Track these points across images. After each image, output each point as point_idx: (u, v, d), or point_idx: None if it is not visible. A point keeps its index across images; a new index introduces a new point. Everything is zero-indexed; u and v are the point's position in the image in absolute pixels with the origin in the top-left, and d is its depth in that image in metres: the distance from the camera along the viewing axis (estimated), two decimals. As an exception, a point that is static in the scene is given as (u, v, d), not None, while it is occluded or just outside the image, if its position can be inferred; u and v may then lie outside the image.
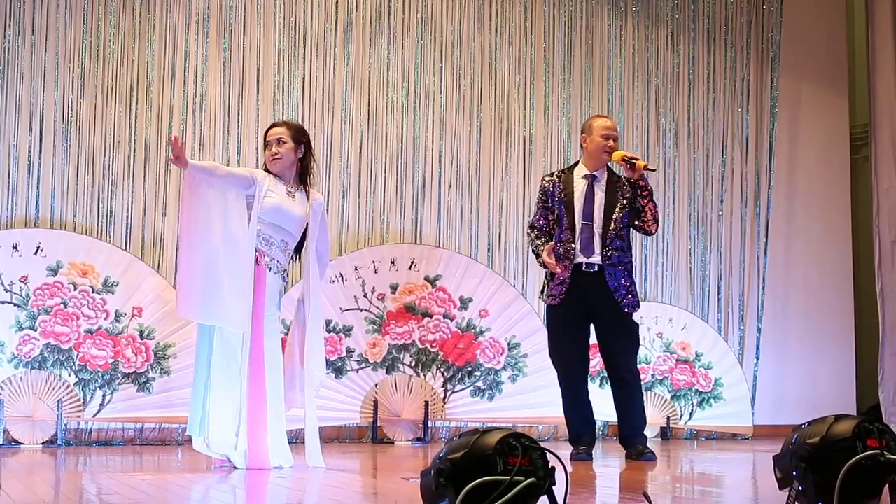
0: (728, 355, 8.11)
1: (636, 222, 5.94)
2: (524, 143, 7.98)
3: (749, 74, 8.57)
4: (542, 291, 6.11)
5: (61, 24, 7.04)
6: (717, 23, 8.53)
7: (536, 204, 6.12)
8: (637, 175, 5.83)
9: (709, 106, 8.46)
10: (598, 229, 5.87)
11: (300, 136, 5.40)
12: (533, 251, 6.11)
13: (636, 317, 6.07)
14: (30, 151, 6.95)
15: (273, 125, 5.49)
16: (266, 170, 5.38)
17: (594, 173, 5.97)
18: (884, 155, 8.33)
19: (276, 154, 5.32)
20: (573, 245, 5.86)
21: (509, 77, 7.99)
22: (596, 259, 5.86)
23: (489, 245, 7.81)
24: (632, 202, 5.91)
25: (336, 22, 7.63)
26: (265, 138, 5.44)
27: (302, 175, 5.39)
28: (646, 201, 5.88)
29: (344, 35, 7.63)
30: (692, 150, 8.39)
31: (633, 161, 5.81)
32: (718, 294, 8.33)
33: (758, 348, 8.35)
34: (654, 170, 6.02)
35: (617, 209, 5.89)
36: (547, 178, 6.12)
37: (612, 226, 5.87)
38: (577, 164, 6.11)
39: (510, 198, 7.90)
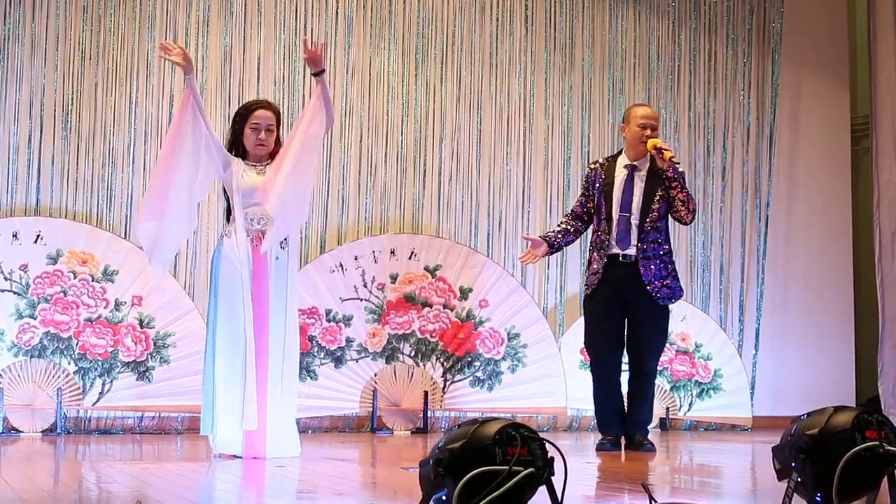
0: (727, 346, 8.11)
1: (672, 212, 5.92)
2: (525, 134, 7.97)
3: (750, 65, 8.55)
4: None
5: (61, 11, 7.03)
6: (719, 13, 8.51)
7: (580, 191, 6.17)
8: (665, 165, 5.79)
9: (710, 96, 8.44)
10: (634, 221, 5.84)
11: (280, 122, 5.36)
12: (560, 224, 6.17)
13: (674, 308, 6.06)
14: (29, 139, 6.94)
15: (261, 106, 5.33)
16: (232, 151, 5.27)
17: (635, 163, 5.93)
18: (884, 146, 8.31)
19: (263, 142, 5.24)
20: (608, 235, 5.86)
21: (510, 66, 7.97)
22: (631, 251, 5.83)
23: (489, 235, 7.81)
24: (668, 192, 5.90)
25: (337, 10, 7.61)
26: (250, 117, 5.25)
27: (272, 153, 5.28)
28: (676, 192, 5.83)
29: (345, 24, 7.62)
30: (693, 141, 8.38)
31: (663, 151, 5.76)
32: (718, 285, 8.33)
33: (757, 339, 8.35)
34: (678, 163, 5.90)
35: (656, 200, 5.85)
36: (591, 166, 6.14)
37: (650, 217, 5.83)
38: (621, 152, 6.08)
39: (510, 188, 7.89)
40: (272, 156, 5.27)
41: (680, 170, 5.93)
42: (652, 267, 5.83)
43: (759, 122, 8.53)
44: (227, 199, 5.29)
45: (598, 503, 3.68)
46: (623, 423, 5.97)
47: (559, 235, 6.05)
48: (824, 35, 8.83)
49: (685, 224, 6.06)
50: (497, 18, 7.97)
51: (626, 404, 6.04)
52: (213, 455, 5.13)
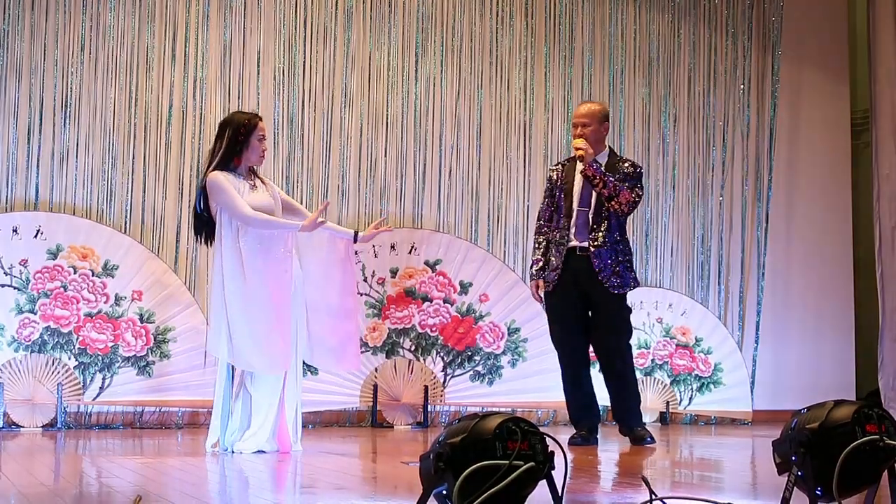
0: (728, 340, 8.12)
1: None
2: (524, 128, 7.97)
3: (750, 59, 8.55)
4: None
5: (61, 5, 7.02)
6: (719, 7, 8.50)
7: (544, 193, 6.21)
8: (583, 163, 5.87)
9: (709, 90, 8.44)
10: (591, 215, 5.92)
11: None
12: (533, 255, 6.14)
13: (630, 301, 6.11)
14: (29, 134, 6.94)
15: (259, 118, 5.41)
16: (228, 155, 5.31)
17: (596, 158, 5.97)
18: (884, 140, 8.31)
19: (265, 151, 5.39)
20: (567, 231, 5.94)
21: (510, 61, 7.97)
22: (586, 243, 5.91)
23: (489, 229, 7.81)
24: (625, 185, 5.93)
25: (336, 4, 7.60)
26: (255, 129, 5.32)
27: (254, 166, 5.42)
28: (598, 188, 5.88)
29: (344, 18, 7.61)
30: (693, 135, 8.37)
31: (577, 149, 5.88)
32: (718, 279, 8.33)
33: (757, 333, 8.35)
34: (581, 155, 5.85)
35: None
36: (552, 168, 6.26)
37: (603, 208, 5.90)
38: None
39: (510, 182, 7.89)
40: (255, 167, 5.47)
41: (582, 156, 5.87)
42: (603, 256, 5.90)
43: (759, 117, 8.53)
44: (209, 214, 5.31)
45: (597, 497, 3.68)
46: (595, 414, 6.07)
47: (544, 263, 6.06)
48: (824, 29, 8.82)
49: (622, 215, 6.01)
50: (497, 12, 7.96)
51: (597, 399, 6.11)
52: (226, 452, 5.18)
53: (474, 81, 7.87)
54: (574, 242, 5.93)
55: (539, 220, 6.16)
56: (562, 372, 6.10)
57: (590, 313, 6.02)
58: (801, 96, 8.70)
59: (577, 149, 5.88)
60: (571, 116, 6.18)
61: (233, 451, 5.18)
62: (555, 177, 6.11)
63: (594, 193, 5.93)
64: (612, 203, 5.89)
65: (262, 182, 5.40)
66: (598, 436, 6.02)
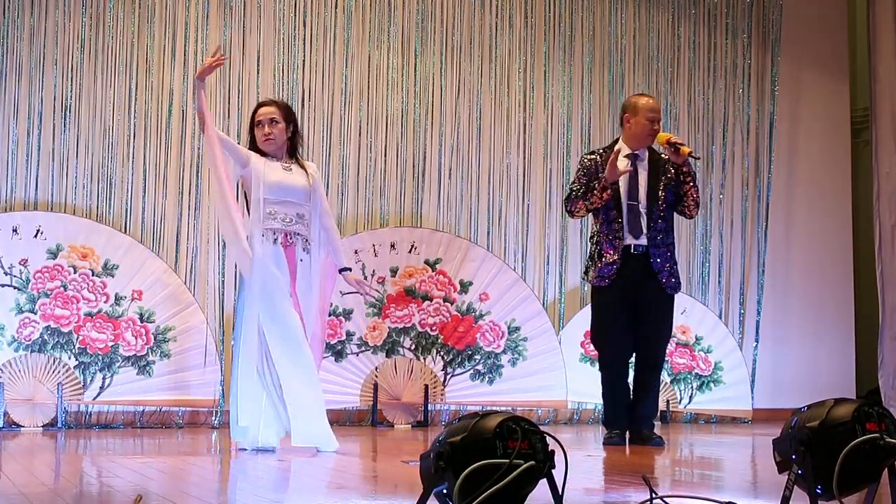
0: (728, 339, 8.12)
1: (678, 206, 5.88)
2: (524, 127, 7.97)
3: (750, 58, 8.55)
4: (585, 272, 6.02)
5: (61, 5, 7.02)
6: (718, 5, 8.51)
7: (577, 180, 5.93)
8: (681, 160, 5.74)
9: (709, 88, 8.43)
10: (643, 210, 5.80)
11: (290, 116, 5.51)
12: (579, 197, 5.83)
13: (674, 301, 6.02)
14: (29, 133, 6.94)
15: (263, 104, 5.50)
16: (254, 149, 5.43)
17: (636, 153, 5.88)
18: (884, 139, 8.31)
19: (269, 135, 5.39)
20: (620, 226, 5.79)
21: (510, 60, 7.97)
22: (642, 241, 5.79)
23: (489, 228, 7.81)
24: (674, 184, 5.85)
25: (336, 3, 7.60)
26: (254, 117, 5.46)
27: (292, 150, 5.48)
28: (689, 187, 5.81)
29: (344, 17, 7.61)
30: (693, 134, 8.37)
31: (678, 146, 5.70)
32: (719, 278, 8.33)
33: (757, 332, 8.35)
34: (698, 158, 5.93)
35: (661, 189, 5.83)
36: (589, 158, 5.99)
37: (657, 206, 5.81)
38: (616, 141, 5.98)
39: (510, 181, 7.89)
40: (293, 151, 5.49)
41: (697, 156, 5.88)
42: (660, 256, 5.81)
43: (759, 115, 8.53)
44: (246, 197, 5.39)
45: (598, 496, 3.68)
46: (629, 417, 5.93)
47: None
48: (824, 27, 8.82)
49: (690, 218, 6.04)
50: (496, 11, 7.96)
51: (633, 399, 5.99)
52: (240, 449, 5.19)
53: (474, 80, 7.87)
54: (629, 240, 5.79)
55: (573, 200, 5.88)
56: (605, 370, 5.94)
57: (636, 313, 5.89)
58: (800, 95, 8.71)
59: (681, 144, 5.70)
60: (643, 109, 5.82)
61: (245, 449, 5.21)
62: (593, 167, 5.85)
63: (643, 187, 5.80)
64: (692, 204, 5.84)
65: (301, 166, 5.46)
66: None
